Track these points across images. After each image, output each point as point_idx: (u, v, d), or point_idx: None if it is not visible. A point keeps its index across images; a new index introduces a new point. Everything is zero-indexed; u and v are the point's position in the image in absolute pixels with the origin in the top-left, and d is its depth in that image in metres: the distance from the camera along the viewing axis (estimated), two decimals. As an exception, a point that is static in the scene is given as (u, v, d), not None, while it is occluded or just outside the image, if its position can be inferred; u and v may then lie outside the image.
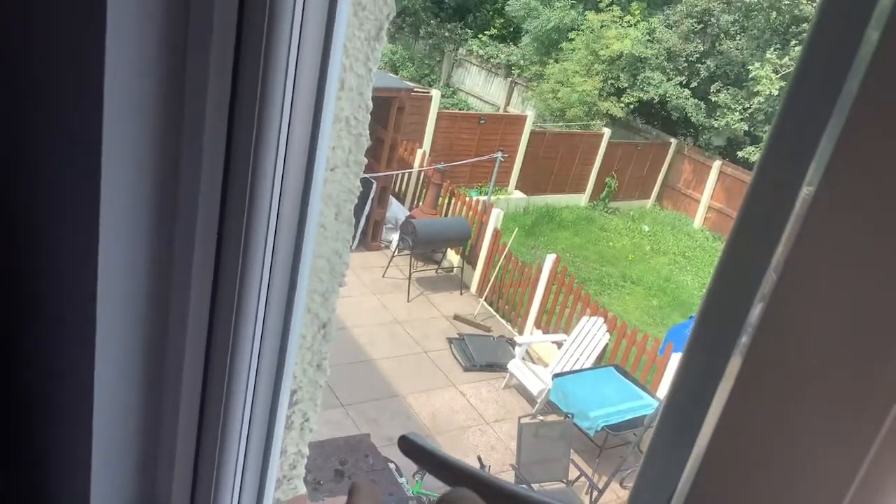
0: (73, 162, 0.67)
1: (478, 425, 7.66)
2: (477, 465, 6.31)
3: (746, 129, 14.63)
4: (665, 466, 0.42)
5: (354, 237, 0.85)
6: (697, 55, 15.43)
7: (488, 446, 7.37)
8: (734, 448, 0.36)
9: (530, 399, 8.01)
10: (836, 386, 0.33)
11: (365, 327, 8.64)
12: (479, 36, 18.92)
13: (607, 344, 8.32)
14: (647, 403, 7.34)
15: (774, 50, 14.22)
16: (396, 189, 11.64)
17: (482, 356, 8.53)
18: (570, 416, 7.07)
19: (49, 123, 0.71)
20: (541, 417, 7.52)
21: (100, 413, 0.73)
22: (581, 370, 7.96)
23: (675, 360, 7.64)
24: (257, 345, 0.72)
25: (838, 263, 0.32)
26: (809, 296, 0.33)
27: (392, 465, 5.46)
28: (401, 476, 5.49)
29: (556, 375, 7.73)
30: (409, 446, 0.48)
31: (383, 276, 9.88)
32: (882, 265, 0.31)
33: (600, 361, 8.27)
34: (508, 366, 8.22)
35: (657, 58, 15.37)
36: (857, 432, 0.33)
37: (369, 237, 10.35)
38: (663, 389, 7.62)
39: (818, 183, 0.32)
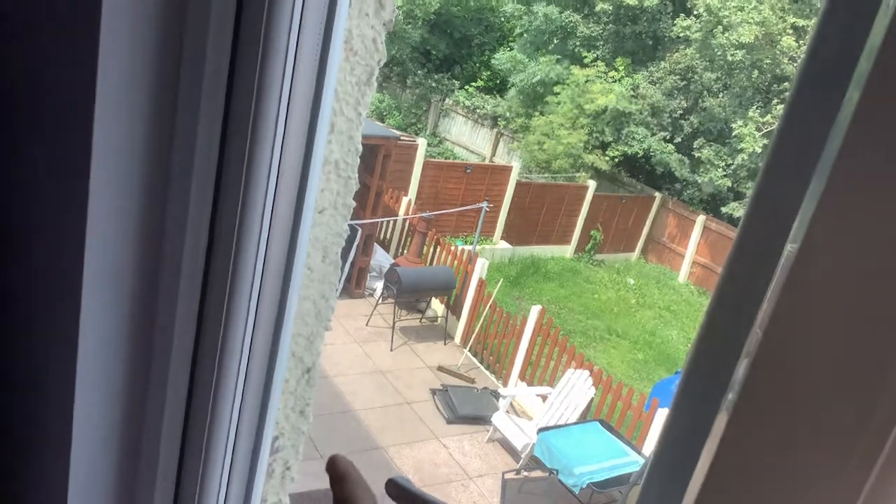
0: (59, 182, 0.67)
1: (461, 480, 7.52)
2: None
3: (730, 185, 14.85)
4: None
5: (339, 283, 0.85)
6: (681, 111, 15.75)
7: (471, 502, 7.23)
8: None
9: (514, 453, 7.89)
10: (825, 439, 0.33)
11: (347, 376, 8.53)
12: (466, 87, 19.25)
13: (593, 398, 8.26)
14: (633, 460, 7.26)
15: (757, 108, 14.55)
16: (381, 237, 11.66)
17: (466, 408, 8.44)
18: (554, 472, 6.96)
19: (37, 130, 0.70)
20: (525, 473, 7.40)
21: (76, 466, 0.71)
22: (566, 425, 7.87)
23: (661, 415, 7.59)
24: (240, 388, 0.71)
25: (823, 319, 0.32)
26: (795, 352, 0.33)
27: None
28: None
29: (540, 430, 7.64)
30: (396, 490, 0.47)
31: (367, 325, 9.81)
32: (866, 319, 0.31)
33: (586, 415, 8.19)
34: (492, 419, 8.12)
35: (641, 113, 15.67)
36: (847, 486, 0.33)
37: (353, 285, 10.31)
38: (649, 445, 7.54)
39: (801, 240, 0.32)
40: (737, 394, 0.35)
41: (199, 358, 0.68)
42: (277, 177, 0.63)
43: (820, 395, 0.33)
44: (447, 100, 19.51)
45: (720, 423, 0.36)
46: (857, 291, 0.32)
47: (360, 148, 0.77)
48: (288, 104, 0.61)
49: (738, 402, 0.35)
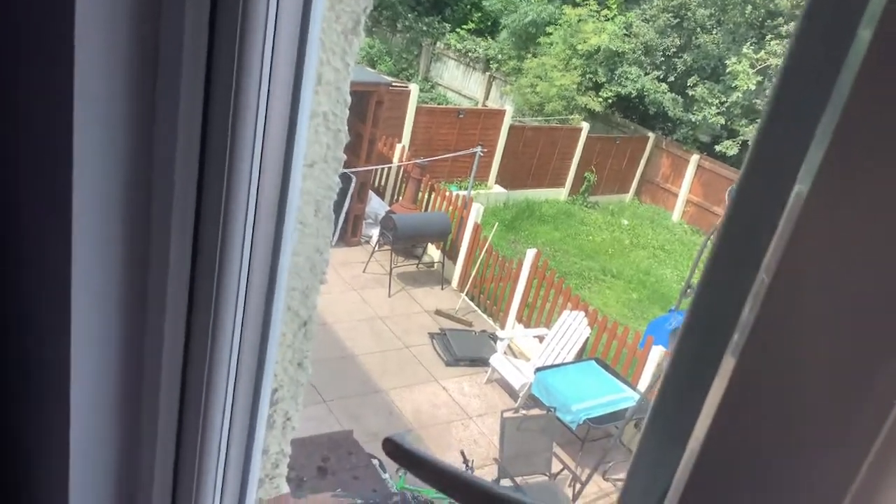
0: (42, 170, 0.66)
1: (461, 420, 7.67)
2: (460, 460, 6.31)
3: (723, 122, 14.74)
4: (655, 467, 0.42)
5: (334, 233, 0.84)
6: (674, 49, 15.52)
7: (471, 441, 7.38)
8: (729, 449, 0.36)
9: (512, 393, 8.03)
10: (834, 386, 0.33)
11: (346, 323, 8.61)
12: (457, 30, 18.88)
13: (588, 338, 8.36)
14: (629, 396, 7.39)
15: (751, 45, 14.33)
16: (376, 184, 11.60)
17: (464, 351, 8.54)
18: (552, 409, 7.10)
19: (18, 128, 0.69)
20: (523, 411, 7.54)
21: (77, 413, 0.72)
22: (563, 364, 7.99)
23: (656, 353, 7.70)
24: (237, 344, 0.71)
25: (832, 263, 0.31)
26: (803, 295, 0.32)
27: (376, 462, 5.45)
28: (384, 472, 5.48)
29: (538, 369, 7.76)
30: (393, 448, 0.48)
31: (364, 272, 9.85)
32: (877, 264, 0.30)
33: (581, 355, 8.31)
34: (490, 360, 8.24)
35: (634, 52, 15.44)
36: (856, 433, 0.33)
37: (349, 233, 10.30)
38: (644, 382, 7.67)
39: (811, 181, 0.31)
40: (744, 337, 0.34)
41: (193, 317, 0.68)
42: (264, 132, 0.62)
43: (829, 339, 0.33)
44: (438, 43, 19.16)
45: (727, 366, 0.35)
46: (870, 233, 0.31)
47: (349, 99, 0.76)
48: (272, 56, 0.59)
49: (746, 345, 0.34)
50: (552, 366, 7.94)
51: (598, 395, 7.34)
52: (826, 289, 0.32)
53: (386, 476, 5.44)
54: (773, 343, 0.34)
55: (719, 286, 0.39)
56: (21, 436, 0.88)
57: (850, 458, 0.33)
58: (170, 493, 0.77)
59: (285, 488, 0.95)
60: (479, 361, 8.44)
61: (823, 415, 0.34)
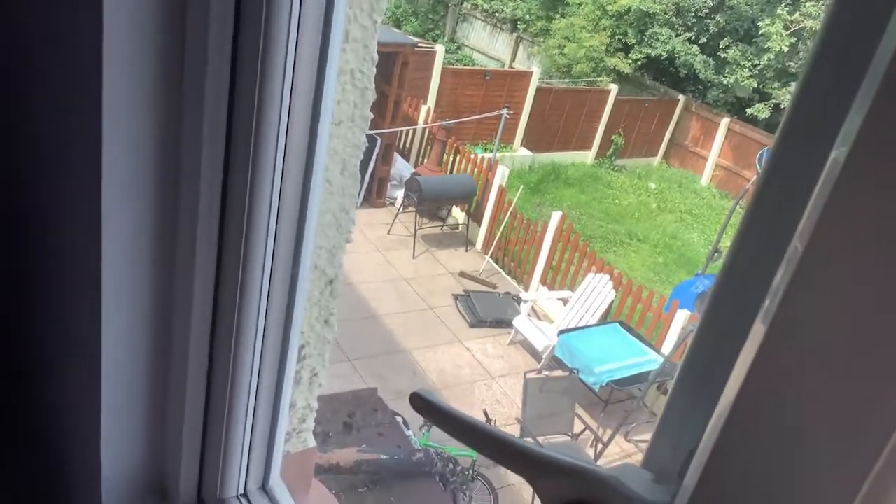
0: (73, 153, 0.66)
1: (484, 380, 7.73)
2: (483, 419, 6.38)
3: (756, 85, 14.40)
4: (683, 427, 0.42)
5: (359, 194, 0.85)
6: (706, 10, 15.12)
7: (494, 400, 7.45)
8: (757, 414, 0.36)
9: (536, 355, 8.07)
10: (864, 356, 0.32)
11: (371, 283, 8.66)
12: (485, -12, 18.58)
13: (613, 301, 8.34)
14: (652, 359, 7.39)
15: (785, 6, 13.92)
16: (401, 146, 11.56)
17: (488, 313, 8.57)
18: (575, 371, 7.13)
19: (50, 122, 0.70)
20: (546, 373, 7.58)
21: (108, 375, 0.73)
22: (586, 327, 8.00)
23: (681, 316, 7.67)
24: (265, 300, 0.72)
25: (868, 233, 0.30)
26: (836, 265, 0.32)
27: (399, 419, 5.54)
28: (408, 429, 5.57)
29: (561, 332, 7.78)
30: (421, 403, 0.49)
31: (388, 233, 9.87)
32: None
33: (605, 318, 8.30)
34: (514, 322, 8.26)
35: (666, 13, 15.07)
36: (890, 399, 0.32)
37: (374, 194, 10.31)
38: (668, 345, 7.65)
39: (850, 147, 0.30)
40: (776, 304, 0.34)
41: (222, 274, 0.69)
42: (291, 89, 0.62)
43: (864, 307, 0.32)
44: (465, 4, 18.86)
45: (757, 332, 0.35)
46: None
47: (376, 57, 0.75)
48: (300, 10, 0.59)
49: (777, 312, 0.34)
50: (576, 328, 7.95)
51: (622, 357, 7.35)
52: (860, 259, 0.31)
53: (409, 433, 5.53)
54: (804, 311, 0.33)
55: (751, 251, 0.38)
56: (53, 396, 0.91)
57: (884, 423, 0.32)
58: (199, 443, 0.80)
59: (312, 443, 0.97)
60: (503, 323, 8.47)
61: (853, 382, 0.33)
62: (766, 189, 0.37)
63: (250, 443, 0.82)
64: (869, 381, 0.33)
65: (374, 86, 0.78)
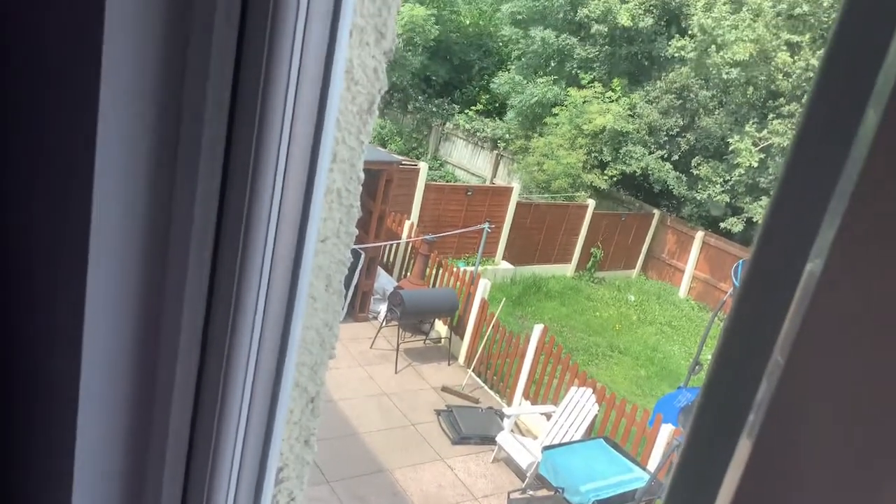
0: (65, 192, 0.67)
1: (467, 501, 7.45)
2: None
3: (728, 200, 14.86)
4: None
5: (343, 308, 0.85)
6: (678, 129, 15.81)
7: (477, 524, 7.16)
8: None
9: (520, 473, 7.83)
10: (857, 473, 0.32)
11: (352, 400, 8.49)
12: (466, 111, 19.35)
13: (596, 415, 8.21)
14: (638, 476, 7.20)
15: (753, 124, 14.59)
16: (385, 260, 11.66)
17: (471, 428, 8.38)
18: (560, 490, 6.90)
19: (42, 131, 0.70)
20: (531, 492, 7.34)
21: (79, 493, 0.70)
22: (571, 442, 7.82)
23: (666, 431, 7.54)
24: (244, 420, 0.70)
25: (848, 343, 0.31)
26: (819, 378, 0.32)
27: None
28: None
29: (545, 448, 7.59)
30: None
31: (371, 348, 9.78)
32: (893, 343, 0.30)
33: (590, 433, 8.14)
34: (497, 438, 8.07)
35: (638, 132, 15.73)
36: None
37: (357, 308, 10.29)
38: (654, 462, 7.48)
39: (824, 259, 0.31)
40: (760, 419, 0.34)
41: (201, 391, 0.68)
42: (280, 206, 0.63)
43: (843, 422, 0.32)
44: (448, 124, 19.61)
45: (743, 449, 0.35)
46: (882, 312, 0.30)
47: (363, 176, 0.77)
48: (290, 134, 0.61)
49: (762, 427, 0.33)
50: (560, 444, 7.77)
51: (608, 475, 7.15)
52: (842, 370, 0.31)
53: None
54: (790, 425, 0.33)
55: (732, 366, 0.38)
56: (24, 460, 0.86)
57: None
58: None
59: (288, 572, 0.92)
60: (486, 439, 8.27)
61: (843, 495, 0.33)
62: (744, 303, 0.38)
63: (223, 573, 0.77)
64: (859, 493, 0.32)
65: (359, 203, 0.80)
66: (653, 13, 16.16)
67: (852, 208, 0.30)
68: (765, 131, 14.24)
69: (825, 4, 13.59)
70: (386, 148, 17.55)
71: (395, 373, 9.39)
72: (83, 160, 0.59)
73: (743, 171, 14.22)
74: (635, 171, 15.66)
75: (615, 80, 16.57)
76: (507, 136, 17.81)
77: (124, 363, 0.66)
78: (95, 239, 0.60)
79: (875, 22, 0.30)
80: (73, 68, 0.61)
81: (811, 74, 13.75)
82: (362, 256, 9.90)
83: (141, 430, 0.72)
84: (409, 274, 11.32)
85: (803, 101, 13.80)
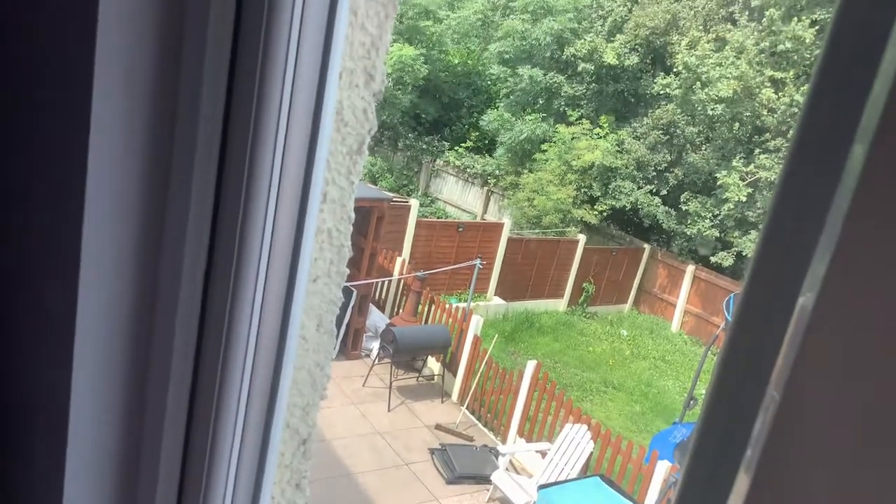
0: (57, 208, 0.66)
1: (461, 542, 7.33)
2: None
3: (718, 235, 14.95)
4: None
5: (335, 347, 0.84)
6: (665, 164, 15.97)
7: (473, 565, 7.03)
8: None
9: (515, 513, 7.72)
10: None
11: (345, 439, 8.39)
12: (456, 148, 19.51)
13: (592, 452, 8.13)
14: (636, 515, 7.11)
15: (739, 159, 14.76)
16: (376, 297, 11.63)
17: (465, 467, 8.28)
18: (556, 529, 6.80)
19: (35, 132, 0.70)
20: (527, 532, 7.22)
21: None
22: (566, 481, 7.73)
23: (662, 468, 7.47)
24: (234, 464, 0.69)
25: (843, 377, 0.31)
26: (815, 411, 0.32)
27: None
28: None
29: (540, 487, 7.49)
30: None
31: (363, 386, 9.69)
32: (887, 376, 0.30)
33: (585, 471, 8.05)
34: (492, 477, 7.97)
35: (627, 167, 15.88)
36: None
37: (349, 346, 10.22)
38: (651, 499, 7.39)
39: (816, 291, 0.31)
40: (757, 454, 0.33)
41: (191, 434, 0.67)
42: (270, 247, 0.63)
43: (842, 454, 0.32)
44: (438, 161, 19.76)
45: (741, 485, 0.34)
46: (875, 344, 0.30)
47: (353, 216, 0.77)
48: (280, 176, 0.61)
49: (760, 462, 0.33)
50: (556, 483, 7.67)
51: (604, 514, 7.06)
52: (839, 405, 0.31)
53: None
54: (787, 461, 0.33)
55: (728, 401, 0.38)
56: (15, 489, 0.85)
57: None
58: None
59: None
60: (481, 478, 8.16)
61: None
62: (737, 338, 0.37)
63: None
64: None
65: (350, 243, 0.80)
66: (638, 52, 16.44)
67: (843, 241, 0.30)
68: (752, 166, 14.40)
69: (807, 41, 13.86)
70: (377, 185, 17.63)
71: (388, 411, 9.30)
72: (76, 168, 0.59)
73: (732, 206, 14.34)
74: (625, 206, 15.77)
75: (602, 117, 16.77)
76: (497, 172, 17.94)
77: (113, 411, 0.66)
78: (86, 265, 0.60)
79: (860, 53, 0.31)
80: (66, 68, 0.61)
81: (796, 110, 13.96)
82: (354, 294, 9.87)
83: (129, 477, 0.70)
84: (401, 311, 11.28)
85: (789, 135, 13.99)
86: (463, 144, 19.51)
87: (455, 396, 10.03)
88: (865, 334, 0.30)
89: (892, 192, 0.29)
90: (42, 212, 0.70)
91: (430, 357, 10.34)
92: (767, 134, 14.67)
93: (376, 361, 9.92)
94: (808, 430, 0.32)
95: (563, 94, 17.39)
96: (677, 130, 15.83)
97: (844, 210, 0.30)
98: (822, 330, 0.31)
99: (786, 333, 0.33)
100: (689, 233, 15.20)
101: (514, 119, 17.71)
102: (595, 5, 17.48)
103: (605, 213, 16.02)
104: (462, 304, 10.94)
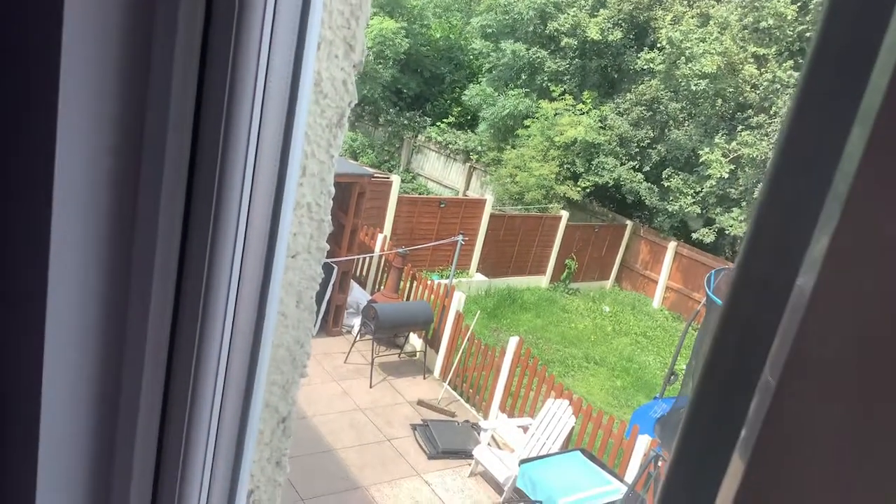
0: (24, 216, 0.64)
1: (444, 516, 7.41)
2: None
3: (699, 211, 15.04)
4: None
5: (315, 323, 0.83)
6: (648, 140, 16.00)
7: (455, 538, 7.11)
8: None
9: (497, 487, 7.80)
10: (851, 494, 0.31)
11: (326, 416, 8.41)
12: (438, 123, 19.41)
13: (573, 427, 8.21)
14: (616, 488, 7.20)
15: (722, 135, 14.81)
16: (358, 274, 11.60)
17: (447, 443, 8.34)
18: (538, 503, 6.88)
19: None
20: (508, 506, 7.31)
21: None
22: (548, 455, 7.81)
23: (642, 442, 7.56)
24: (212, 442, 0.68)
25: (841, 361, 0.30)
26: (812, 399, 0.31)
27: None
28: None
29: (522, 461, 7.57)
30: None
31: (345, 362, 9.71)
32: (886, 361, 0.29)
33: (567, 445, 8.14)
34: (474, 452, 8.04)
35: (610, 143, 15.89)
36: None
37: (330, 323, 10.22)
38: (631, 473, 7.50)
39: (817, 272, 0.30)
40: (753, 436, 0.32)
41: (168, 413, 0.66)
42: (247, 223, 0.61)
43: (840, 438, 0.31)
44: (419, 136, 19.65)
45: (736, 468, 0.33)
46: (874, 330, 0.29)
47: (333, 190, 0.76)
48: (256, 149, 0.59)
49: (756, 445, 0.32)
50: (537, 457, 7.75)
51: (585, 487, 7.15)
52: (839, 387, 0.30)
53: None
54: (783, 448, 0.32)
55: (722, 383, 0.37)
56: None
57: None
58: None
59: None
60: (463, 453, 8.23)
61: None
62: (731, 320, 0.36)
63: None
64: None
65: (330, 218, 0.78)
66: (621, 27, 16.37)
67: (843, 223, 0.29)
68: (734, 143, 14.46)
69: (789, 18, 13.86)
70: (357, 161, 17.52)
71: (370, 387, 9.33)
72: (43, 169, 0.57)
73: (714, 183, 14.41)
74: (608, 183, 15.79)
75: (586, 93, 16.74)
76: (480, 148, 17.89)
77: (86, 390, 0.64)
78: (56, 252, 0.58)
79: (864, 21, 0.29)
80: (30, 68, 0.58)
81: (778, 87, 14.00)
82: (335, 270, 9.84)
83: (104, 454, 0.69)
84: (382, 287, 11.28)
85: (771, 112, 13.98)
86: (445, 120, 19.41)
87: (437, 373, 10.08)
88: (865, 317, 0.29)
89: (888, 179, 0.28)
90: (8, 210, 0.68)
91: (412, 333, 10.36)
92: (750, 110, 14.71)
93: (358, 338, 9.93)
94: (803, 418, 0.31)
95: (545, 69, 17.31)
96: (660, 106, 15.83)
97: (846, 187, 0.29)
98: (821, 312, 0.30)
99: (782, 317, 0.32)
100: (671, 209, 15.27)
101: (496, 94, 17.63)
102: (578, -20, 17.37)
103: (587, 190, 16.04)
104: (444, 281, 10.95)
